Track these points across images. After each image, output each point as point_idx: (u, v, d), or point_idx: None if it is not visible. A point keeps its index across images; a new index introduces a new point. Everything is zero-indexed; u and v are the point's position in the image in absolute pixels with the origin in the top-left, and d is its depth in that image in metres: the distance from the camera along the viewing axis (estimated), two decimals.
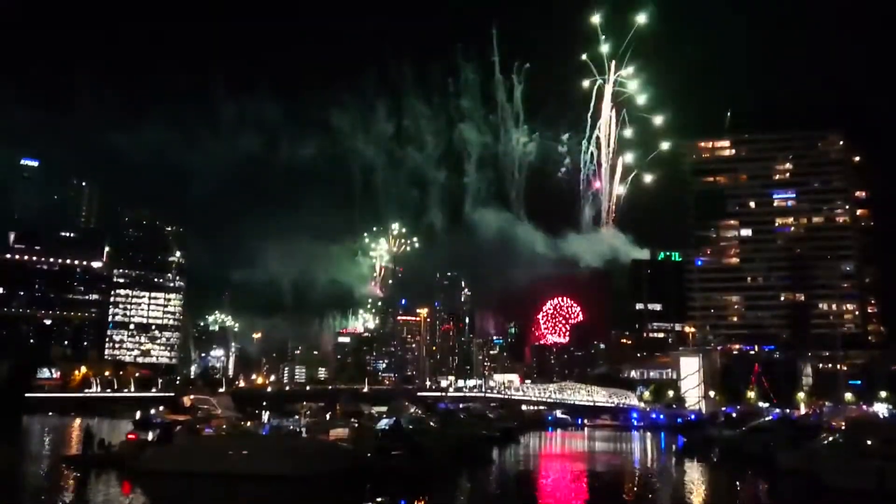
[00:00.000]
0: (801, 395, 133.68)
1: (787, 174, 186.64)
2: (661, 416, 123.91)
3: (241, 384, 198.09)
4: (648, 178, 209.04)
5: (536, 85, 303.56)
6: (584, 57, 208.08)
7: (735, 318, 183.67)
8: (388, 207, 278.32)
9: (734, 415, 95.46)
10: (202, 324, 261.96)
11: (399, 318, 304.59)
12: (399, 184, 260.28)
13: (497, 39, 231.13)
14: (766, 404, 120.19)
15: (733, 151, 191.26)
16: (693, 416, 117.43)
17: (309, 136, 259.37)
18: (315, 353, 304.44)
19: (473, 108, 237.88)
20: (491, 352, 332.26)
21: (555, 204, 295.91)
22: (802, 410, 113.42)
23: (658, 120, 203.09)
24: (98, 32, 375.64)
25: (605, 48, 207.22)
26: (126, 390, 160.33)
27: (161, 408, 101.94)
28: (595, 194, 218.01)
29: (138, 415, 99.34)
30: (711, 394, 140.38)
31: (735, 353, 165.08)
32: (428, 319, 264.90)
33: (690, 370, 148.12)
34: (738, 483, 53.18)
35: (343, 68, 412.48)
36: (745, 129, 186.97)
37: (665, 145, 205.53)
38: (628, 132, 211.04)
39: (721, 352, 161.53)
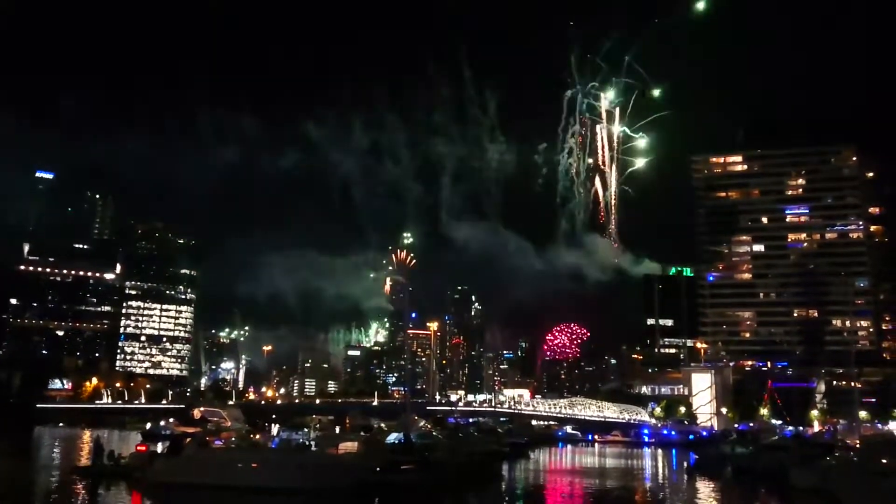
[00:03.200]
0: (814, 412, 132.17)
1: (800, 189, 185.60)
2: (673, 433, 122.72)
3: (252, 396, 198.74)
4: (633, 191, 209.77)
5: (511, 98, 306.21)
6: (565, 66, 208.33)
7: (747, 334, 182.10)
8: (373, 222, 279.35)
9: (747, 432, 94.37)
10: (213, 336, 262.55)
11: (409, 331, 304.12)
12: (381, 199, 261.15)
13: (468, 55, 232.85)
14: (780, 421, 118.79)
15: (745, 167, 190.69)
16: (705, 433, 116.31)
17: (304, 153, 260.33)
18: (325, 365, 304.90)
19: (448, 122, 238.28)
20: (501, 366, 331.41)
21: (535, 215, 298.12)
22: (816, 428, 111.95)
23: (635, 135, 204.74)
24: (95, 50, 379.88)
25: (575, 60, 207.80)
26: (137, 402, 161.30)
27: (171, 420, 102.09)
28: (570, 208, 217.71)
29: (148, 426, 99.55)
30: (724, 410, 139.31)
31: (748, 369, 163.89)
32: (438, 333, 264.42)
33: (702, 386, 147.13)
34: (750, 501, 52.48)
35: (320, 85, 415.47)
36: (757, 144, 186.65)
37: (641, 161, 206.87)
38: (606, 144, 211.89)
39: (733, 368, 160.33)
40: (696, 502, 51.00)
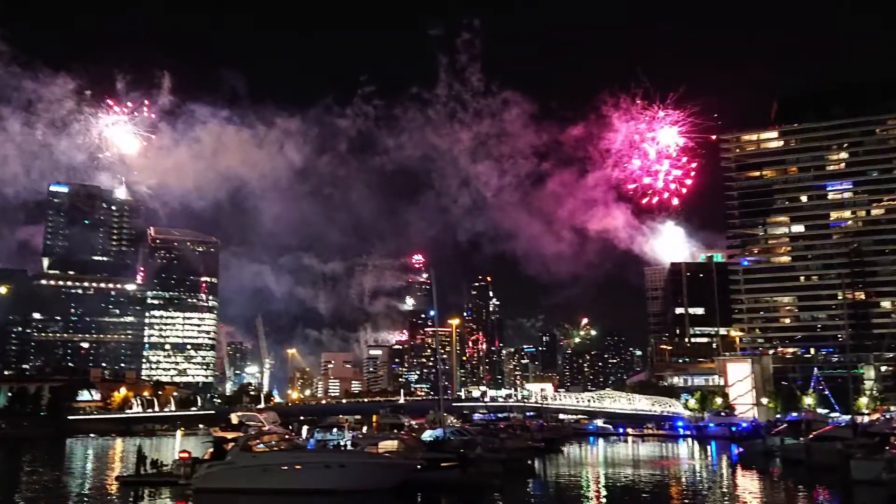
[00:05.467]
0: (863, 400, 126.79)
1: (842, 164, 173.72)
2: (711, 425, 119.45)
3: (277, 399, 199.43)
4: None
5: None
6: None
7: (787, 321, 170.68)
8: (386, 224, 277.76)
9: (798, 422, 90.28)
10: (235, 341, 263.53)
11: (428, 328, 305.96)
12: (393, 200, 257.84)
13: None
14: (826, 410, 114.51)
15: (781, 143, 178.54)
16: (747, 425, 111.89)
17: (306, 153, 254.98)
18: (346, 365, 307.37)
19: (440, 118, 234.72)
20: (522, 360, 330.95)
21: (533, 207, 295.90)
22: (868, 417, 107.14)
23: None
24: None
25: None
26: (167, 409, 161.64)
27: (209, 428, 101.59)
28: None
29: (178, 434, 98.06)
30: (764, 400, 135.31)
31: (789, 356, 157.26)
32: (458, 330, 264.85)
33: (740, 376, 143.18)
34: (809, 497, 49.05)
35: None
36: (793, 118, 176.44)
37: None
38: None
39: (773, 356, 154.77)
40: (750, 499, 47.78)
